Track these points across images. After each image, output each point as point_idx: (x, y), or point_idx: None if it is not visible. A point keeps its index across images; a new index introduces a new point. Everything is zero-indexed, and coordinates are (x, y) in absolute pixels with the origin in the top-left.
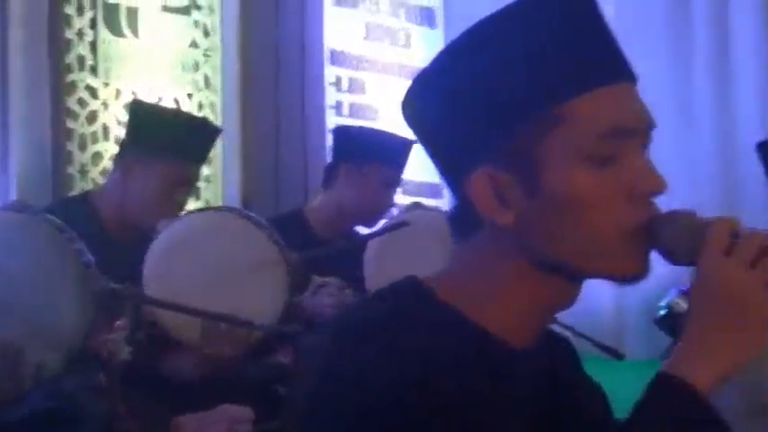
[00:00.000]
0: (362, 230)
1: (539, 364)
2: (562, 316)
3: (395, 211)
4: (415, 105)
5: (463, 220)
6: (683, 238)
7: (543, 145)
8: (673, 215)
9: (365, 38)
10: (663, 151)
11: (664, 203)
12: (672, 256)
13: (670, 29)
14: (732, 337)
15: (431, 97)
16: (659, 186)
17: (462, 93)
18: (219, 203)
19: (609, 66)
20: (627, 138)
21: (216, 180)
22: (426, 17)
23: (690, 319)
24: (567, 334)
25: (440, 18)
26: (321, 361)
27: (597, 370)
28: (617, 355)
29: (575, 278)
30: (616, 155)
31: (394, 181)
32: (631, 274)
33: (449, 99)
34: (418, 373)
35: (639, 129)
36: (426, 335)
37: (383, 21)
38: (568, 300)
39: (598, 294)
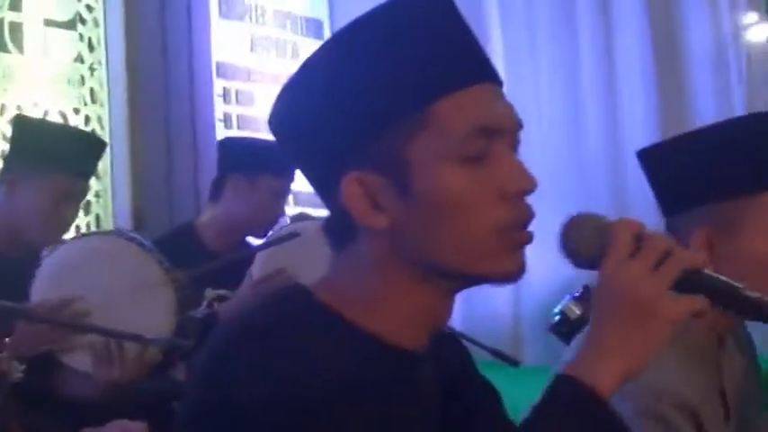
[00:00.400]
0: (255, 241)
1: (432, 367)
2: (459, 323)
3: (287, 220)
4: (280, 116)
5: (339, 227)
6: (588, 240)
7: (413, 147)
8: (579, 218)
9: (251, 50)
10: (552, 154)
11: (554, 205)
12: (577, 258)
13: (556, 33)
14: (634, 339)
15: (295, 106)
16: (529, 185)
17: (326, 99)
18: (110, 219)
19: (472, 67)
20: (494, 137)
21: (106, 195)
22: (313, 29)
23: (593, 320)
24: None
25: (327, 29)
26: (204, 368)
27: (493, 376)
28: (512, 361)
29: (453, 280)
30: (485, 155)
31: (283, 191)
32: (506, 274)
33: (312, 106)
34: (303, 378)
35: (506, 129)
36: (312, 340)
37: (269, 32)
38: (449, 302)
39: (495, 301)
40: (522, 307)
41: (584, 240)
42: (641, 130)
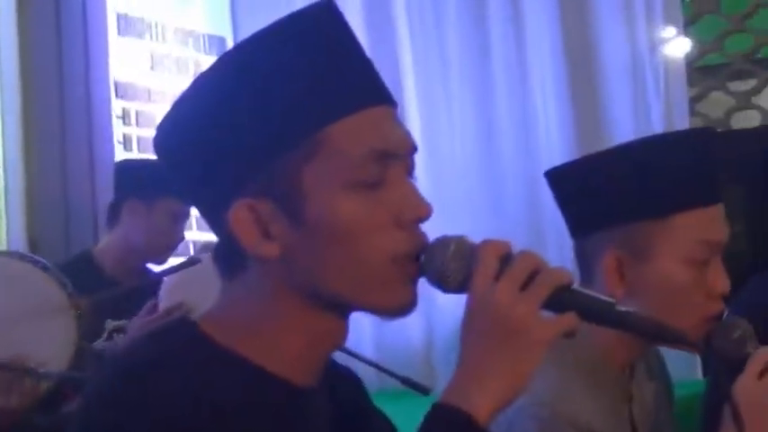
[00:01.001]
0: (155, 268)
1: (323, 401)
2: (370, 352)
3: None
4: (166, 136)
5: (228, 256)
6: (453, 264)
7: (305, 173)
8: (442, 241)
9: (152, 68)
10: (465, 173)
11: (468, 225)
12: (443, 285)
13: (467, 49)
14: (506, 363)
15: (183, 127)
16: (425, 212)
17: (215, 121)
18: (4, 244)
19: (364, 90)
20: (388, 161)
21: (0, 220)
22: (216, 46)
23: (463, 346)
24: (371, 371)
25: (230, 47)
26: (84, 413)
27: (405, 405)
28: (423, 389)
29: (345, 311)
30: (380, 180)
31: (182, 215)
32: (399, 306)
33: (201, 128)
34: (186, 415)
35: (401, 152)
36: (195, 377)
37: (170, 51)
38: (342, 334)
39: (407, 329)
40: (435, 334)
41: (449, 264)
42: (557, 147)
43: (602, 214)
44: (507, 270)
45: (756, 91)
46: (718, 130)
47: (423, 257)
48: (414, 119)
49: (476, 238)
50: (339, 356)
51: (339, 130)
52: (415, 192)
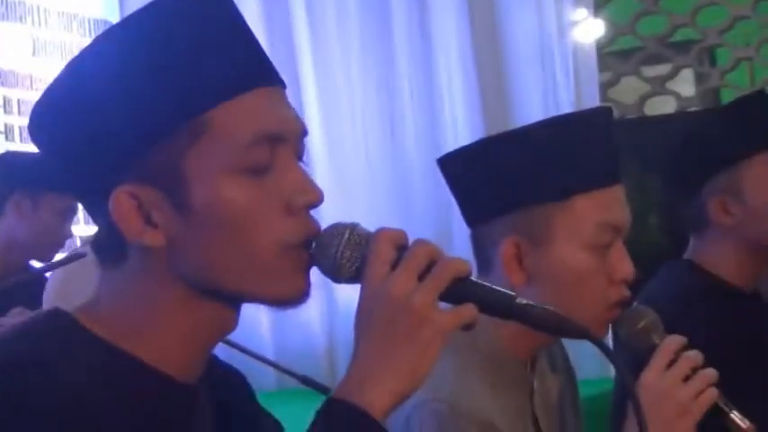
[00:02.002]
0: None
1: (204, 398)
2: (271, 351)
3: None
4: (42, 120)
5: (109, 245)
6: (347, 253)
7: (189, 158)
8: (335, 229)
9: (34, 54)
10: (368, 162)
11: (372, 216)
12: (336, 275)
13: (369, 34)
14: (403, 356)
15: (55, 117)
16: (316, 198)
17: (94, 105)
18: None
19: (250, 71)
20: (276, 145)
21: None
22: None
23: (357, 339)
24: (271, 370)
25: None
26: None
27: (306, 404)
28: (323, 389)
29: (234, 302)
30: (268, 165)
31: (70, 211)
32: (292, 295)
33: (76, 116)
34: (61, 410)
35: (290, 135)
36: (71, 369)
37: (54, 36)
38: (230, 327)
39: (308, 327)
40: (337, 333)
41: (343, 253)
42: (463, 133)
43: (498, 200)
44: (403, 259)
45: (671, 76)
46: (632, 116)
47: (314, 246)
48: (313, 103)
49: (379, 224)
50: (238, 356)
51: (224, 113)
52: (304, 177)
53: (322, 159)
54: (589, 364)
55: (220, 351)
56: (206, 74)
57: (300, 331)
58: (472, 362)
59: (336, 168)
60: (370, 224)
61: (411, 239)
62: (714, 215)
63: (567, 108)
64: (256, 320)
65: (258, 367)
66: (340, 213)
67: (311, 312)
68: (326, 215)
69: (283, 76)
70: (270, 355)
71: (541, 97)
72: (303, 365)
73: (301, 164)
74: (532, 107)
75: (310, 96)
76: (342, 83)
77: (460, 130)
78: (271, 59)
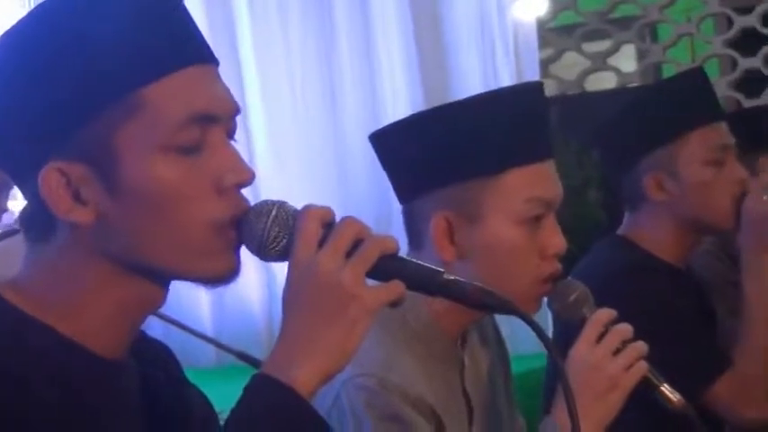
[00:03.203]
0: None
1: (131, 374)
2: (209, 327)
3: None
4: None
5: (37, 220)
6: (274, 230)
7: (120, 135)
8: (262, 206)
9: None
10: (308, 140)
11: (313, 193)
12: (264, 252)
13: (308, 13)
14: (331, 333)
15: None
16: (246, 177)
17: (23, 78)
18: None
19: (182, 49)
20: (208, 124)
21: None
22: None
23: (284, 316)
24: (210, 347)
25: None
26: None
27: (244, 380)
28: (260, 364)
29: (163, 280)
30: (199, 144)
31: (4, 185)
32: (222, 274)
33: (5, 89)
34: None
35: (222, 115)
36: None
37: None
38: (158, 303)
39: (247, 302)
40: (276, 308)
41: (270, 231)
42: (403, 111)
43: (429, 175)
44: (330, 237)
45: (612, 52)
46: (573, 92)
47: (242, 224)
48: (253, 79)
49: (319, 201)
50: (176, 333)
51: (156, 91)
52: (235, 156)
53: (262, 135)
54: (525, 339)
55: (158, 327)
56: (139, 51)
57: (240, 308)
58: (402, 337)
59: (276, 144)
60: (309, 200)
61: (351, 216)
62: (649, 191)
63: (507, 84)
64: (195, 297)
65: (197, 344)
66: (280, 189)
67: (250, 289)
68: (266, 191)
69: (223, 52)
70: (209, 332)
71: (482, 74)
72: (243, 342)
73: (233, 143)
74: (472, 84)
75: (250, 72)
76: (281, 58)
77: (400, 107)
78: (210, 35)
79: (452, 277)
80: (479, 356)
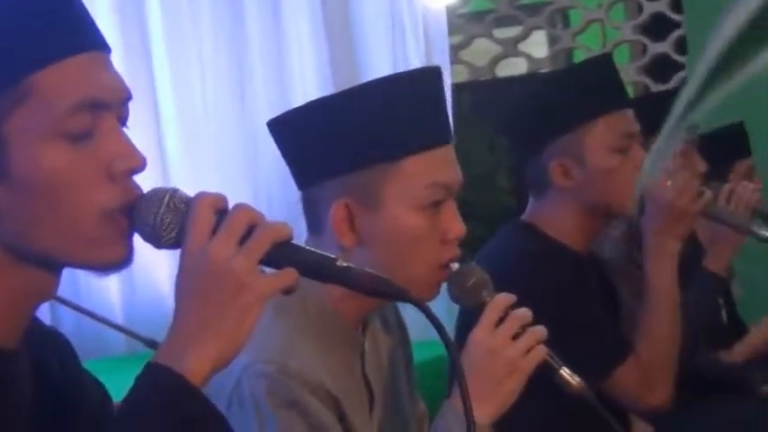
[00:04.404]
0: None
1: (25, 364)
2: (119, 313)
3: None
4: None
5: None
6: (167, 218)
7: (10, 123)
8: (155, 194)
9: None
10: (218, 125)
11: (223, 177)
12: (157, 240)
13: (219, 4)
14: (223, 321)
15: None
16: (137, 163)
17: None
18: None
19: (73, 35)
20: (101, 111)
21: None
22: None
23: (177, 304)
24: (121, 335)
25: None
26: None
27: None
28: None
29: (55, 268)
30: (89, 131)
31: None
32: (113, 262)
33: None
34: None
35: (114, 101)
36: None
37: None
38: (50, 291)
39: (157, 291)
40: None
41: (163, 218)
42: (313, 98)
43: (327, 162)
44: (223, 224)
45: (523, 38)
46: (484, 78)
47: (135, 211)
48: (163, 66)
49: (229, 188)
50: (87, 322)
51: (46, 77)
52: (126, 142)
53: (173, 122)
54: (428, 325)
55: (68, 317)
56: (28, 38)
57: (151, 295)
58: (302, 324)
59: (186, 131)
60: (220, 187)
61: (244, 203)
62: (554, 178)
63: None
64: (105, 285)
65: (108, 332)
66: (190, 176)
67: (161, 276)
68: (176, 178)
69: (133, 40)
70: (120, 320)
71: (391, 61)
72: (155, 329)
73: (125, 129)
74: (383, 71)
75: (160, 59)
76: (192, 45)
77: (310, 94)
78: (120, 21)
79: (345, 264)
80: (381, 342)
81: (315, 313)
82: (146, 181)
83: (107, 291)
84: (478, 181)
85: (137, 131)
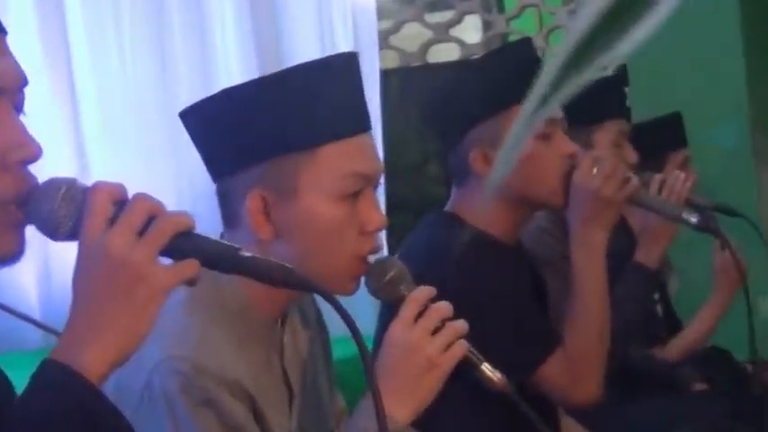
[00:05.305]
0: None
1: None
2: (34, 308)
3: None
4: None
5: None
6: (63, 209)
7: None
8: (50, 185)
9: None
10: (139, 111)
11: (146, 165)
12: (53, 232)
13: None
14: (122, 315)
15: None
16: (33, 153)
17: None
18: None
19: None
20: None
21: None
22: None
23: (74, 297)
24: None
25: None
26: None
27: None
28: None
29: None
30: None
31: None
32: (5, 254)
33: None
34: None
35: (6, 86)
36: None
37: None
38: None
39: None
40: None
41: (59, 210)
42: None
43: (242, 152)
44: (122, 215)
45: (455, 22)
46: (415, 64)
47: (30, 202)
48: (81, 46)
49: (150, 174)
50: (2, 315)
51: None
52: (21, 130)
53: (92, 106)
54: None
55: None
56: None
57: (68, 288)
58: (218, 318)
59: (106, 113)
60: (140, 173)
61: (144, 193)
62: (475, 166)
63: None
64: (22, 279)
65: (24, 326)
66: (110, 160)
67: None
68: (95, 163)
69: (50, 20)
70: (36, 313)
71: (318, 46)
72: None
73: (21, 116)
74: (309, 57)
75: (77, 36)
76: (110, 23)
77: (235, 80)
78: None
79: (249, 254)
80: (300, 337)
81: (231, 307)
82: (62, 162)
83: (23, 283)
84: (408, 170)
85: (52, 112)
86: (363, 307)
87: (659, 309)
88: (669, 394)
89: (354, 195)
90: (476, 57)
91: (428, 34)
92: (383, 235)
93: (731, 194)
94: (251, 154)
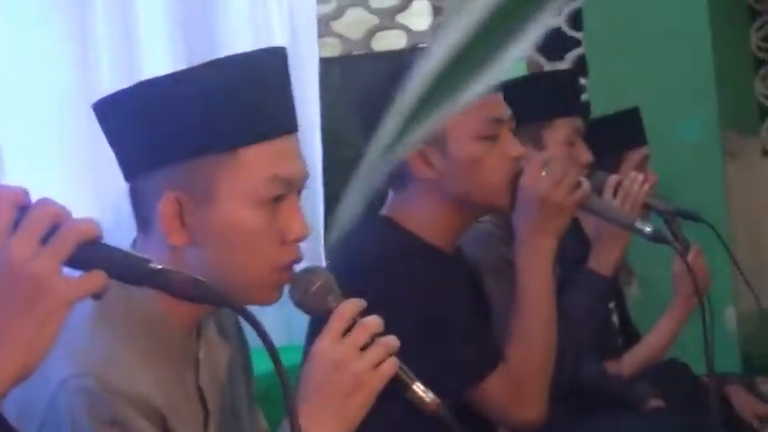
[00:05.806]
0: None
1: None
2: None
3: None
4: None
5: None
6: None
7: None
8: None
9: None
10: (58, 97)
11: (64, 163)
12: None
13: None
14: (23, 328)
15: None
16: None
17: None
18: None
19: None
20: None
21: None
22: None
23: None
24: None
25: None
26: None
27: None
28: None
29: None
30: None
31: None
32: None
33: None
34: None
35: None
36: None
37: None
38: None
39: None
40: None
41: None
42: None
43: (155, 151)
44: (23, 221)
45: (402, 8)
46: (359, 52)
47: None
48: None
49: (70, 171)
50: None
51: None
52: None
53: (10, 98)
54: (283, 331)
55: None
56: None
57: None
58: (126, 331)
59: (24, 109)
60: (61, 170)
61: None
62: (414, 167)
63: (281, 45)
64: None
65: None
66: (27, 155)
67: None
68: (9, 157)
69: None
70: None
71: (252, 33)
72: None
73: None
74: (242, 46)
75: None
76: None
77: (162, 70)
78: None
79: (160, 266)
80: (217, 351)
81: (142, 319)
82: None
83: None
84: (349, 166)
85: None
86: (297, 316)
87: (615, 319)
88: (622, 412)
89: (276, 201)
90: (424, 45)
91: (373, 20)
92: (320, 235)
93: (698, 191)
94: (166, 153)
